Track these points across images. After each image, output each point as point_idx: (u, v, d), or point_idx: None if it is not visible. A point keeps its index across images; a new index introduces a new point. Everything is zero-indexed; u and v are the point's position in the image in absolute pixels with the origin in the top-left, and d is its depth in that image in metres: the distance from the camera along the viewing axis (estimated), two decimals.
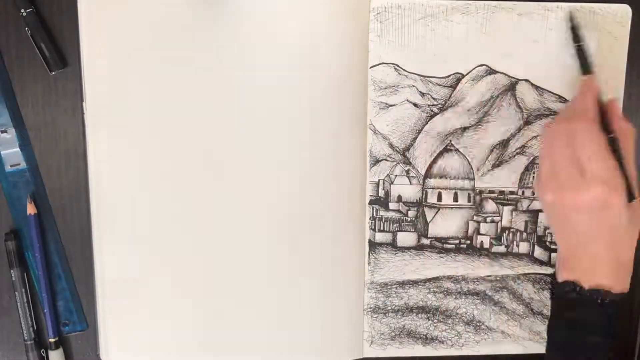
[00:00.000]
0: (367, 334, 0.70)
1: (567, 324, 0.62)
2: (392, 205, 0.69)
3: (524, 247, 0.70)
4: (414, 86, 0.67)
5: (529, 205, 0.69)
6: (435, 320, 0.70)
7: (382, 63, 0.66)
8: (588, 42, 0.66)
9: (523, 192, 0.69)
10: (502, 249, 0.70)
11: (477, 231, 0.69)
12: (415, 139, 0.68)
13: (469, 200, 0.69)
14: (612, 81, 0.68)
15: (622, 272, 0.61)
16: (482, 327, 0.71)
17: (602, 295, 0.59)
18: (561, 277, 0.62)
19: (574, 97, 0.64)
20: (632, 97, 0.69)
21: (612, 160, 0.58)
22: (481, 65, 0.67)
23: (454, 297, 0.70)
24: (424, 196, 0.69)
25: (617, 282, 0.60)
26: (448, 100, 0.67)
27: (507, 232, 0.70)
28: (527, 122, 0.68)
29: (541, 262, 0.70)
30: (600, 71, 0.66)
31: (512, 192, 0.69)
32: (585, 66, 0.64)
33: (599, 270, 0.60)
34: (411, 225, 0.69)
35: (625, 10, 0.66)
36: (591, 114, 0.59)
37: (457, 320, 0.70)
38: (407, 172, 0.68)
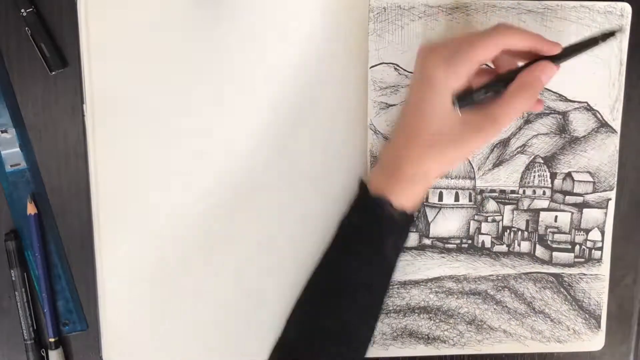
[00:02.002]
0: None
1: (346, 227, 0.62)
2: None
3: (525, 246, 0.70)
4: None
5: (530, 204, 0.69)
6: (437, 320, 0.70)
7: (382, 63, 0.66)
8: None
9: (524, 191, 0.69)
10: (503, 248, 0.70)
11: (479, 231, 0.69)
12: None
13: (470, 200, 0.69)
14: (611, 80, 0.68)
15: (410, 186, 0.58)
16: (484, 326, 0.70)
17: (383, 204, 0.58)
18: (379, 155, 0.62)
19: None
20: (631, 98, 0.69)
21: (473, 61, 0.56)
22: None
23: (456, 296, 0.70)
24: (424, 196, 0.69)
25: (400, 195, 0.58)
26: None
27: (508, 231, 0.69)
28: (527, 121, 0.68)
29: (542, 261, 0.70)
30: (600, 70, 0.67)
31: (513, 191, 0.69)
32: (573, 49, 0.60)
33: (387, 178, 0.59)
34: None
35: (625, 9, 0.67)
36: (502, 44, 0.57)
37: (458, 319, 0.70)
38: None
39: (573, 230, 0.70)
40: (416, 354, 0.70)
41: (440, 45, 0.58)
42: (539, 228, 0.69)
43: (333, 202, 0.67)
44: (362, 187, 0.61)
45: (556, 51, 0.58)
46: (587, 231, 0.70)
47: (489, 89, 0.58)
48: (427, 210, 0.69)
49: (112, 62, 0.64)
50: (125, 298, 0.67)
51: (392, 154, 0.60)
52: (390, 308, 0.69)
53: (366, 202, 0.60)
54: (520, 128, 0.68)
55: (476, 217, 0.69)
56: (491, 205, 0.69)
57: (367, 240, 0.60)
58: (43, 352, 0.67)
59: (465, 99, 0.57)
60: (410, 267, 0.69)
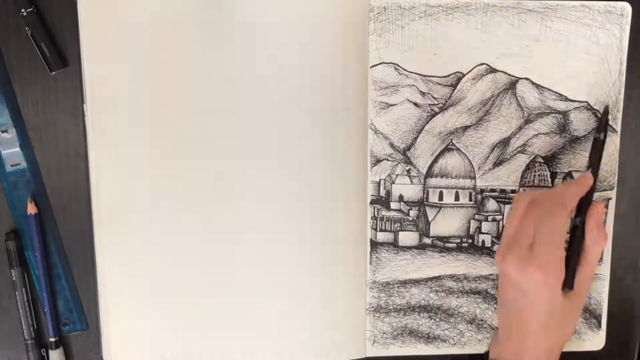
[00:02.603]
0: (369, 334, 0.69)
1: None
2: (393, 205, 0.68)
3: None
4: (414, 86, 0.67)
5: None
6: (438, 319, 0.70)
7: (382, 63, 0.66)
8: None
9: (524, 191, 0.69)
10: None
11: (479, 230, 0.69)
12: (416, 138, 0.68)
13: (470, 199, 0.69)
14: (611, 80, 0.68)
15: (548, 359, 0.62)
16: (484, 325, 0.70)
17: None
18: (493, 354, 0.65)
19: (568, 183, 0.68)
20: (632, 98, 0.69)
21: (562, 249, 0.60)
22: (481, 64, 0.67)
23: (456, 296, 0.70)
24: (425, 195, 0.69)
25: None
26: (448, 99, 0.67)
27: None
28: (527, 121, 0.68)
29: None
30: (600, 70, 0.67)
31: (513, 191, 0.69)
32: (594, 163, 0.66)
33: (526, 353, 0.61)
34: (413, 224, 0.69)
35: (625, 8, 0.67)
36: (571, 206, 0.62)
37: (459, 319, 0.70)
38: (408, 171, 0.68)
39: None
40: (416, 353, 0.70)
41: (524, 252, 0.60)
42: None
43: (333, 202, 0.67)
44: None
45: (592, 182, 0.64)
46: None
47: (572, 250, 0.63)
48: (428, 209, 0.69)
49: (112, 62, 0.64)
50: (125, 298, 0.67)
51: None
52: (391, 307, 0.69)
53: None
54: (520, 128, 0.68)
55: (476, 217, 0.69)
56: (491, 205, 0.69)
57: None
58: (43, 351, 0.67)
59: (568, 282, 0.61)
60: (411, 266, 0.69)
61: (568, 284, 0.61)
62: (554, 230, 0.60)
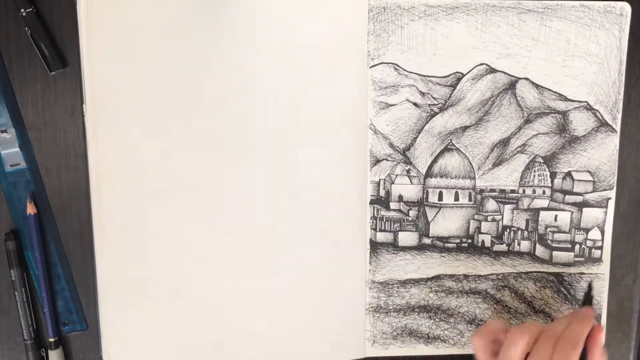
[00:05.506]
0: (369, 334, 0.69)
1: None
2: (393, 205, 0.68)
3: (525, 246, 0.70)
4: (414, 86, 0.67)
5: (530, 203, 0.69)
6: (437, 320, 0.70)
7: (382, 63, 0.66)
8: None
9: (524, 191, 0.69)
10: (503, 247, 0.70)
11: (478, 230, 0.69)
12: (415, 138, 0.68)
13: (469, 199, 0.69)
14: (611, 80, 0.68)
15: None
16: None
17: None
18: None
19: (574, 320, 0.60)
20: (631, 98, 0.69)
21: None
22: (481, 64, 0.67)
23: (456, 296, 0.70)
24: (424, 196, 0.69)
25: None
26: (448, 99, 0.68)
27: (508, 230, 0.70)
28: (527, 121, 0.68)
29: (542, 261, 0.70)
30: (600, 70, 0.67)
31: (512, 191, 0.69)
32: (588, 301, 0.66)
33: None
34: (412, 224, 0.69)
35: (625, 8, 0.67)
36: (580, 343, 0.58)
37: (458, 319, 0.70)
38: (408, 171, 0.68)
39: (573, 229, 0.70)
40: (416, 354, 0.70)
41: None
42: (538, 227, 0.70)
43: (333, 202, 0.67)
44: None
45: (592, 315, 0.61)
46: (587, 230, 0.70)
47: None
48: (427, 209, 0.69)
49: (112, 62, 0.64)
50: (125, 298, 0.67)
51: None
52: (390, 307, 0.69)
53: None
54: (520, 128, 0.68)
55: (476, 217, 0.69)
56: (491, 205, 0.69)
57: None
58: (43, 352, 0.67)
59: None
60: (410, 266, 0.69)
61: None
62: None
